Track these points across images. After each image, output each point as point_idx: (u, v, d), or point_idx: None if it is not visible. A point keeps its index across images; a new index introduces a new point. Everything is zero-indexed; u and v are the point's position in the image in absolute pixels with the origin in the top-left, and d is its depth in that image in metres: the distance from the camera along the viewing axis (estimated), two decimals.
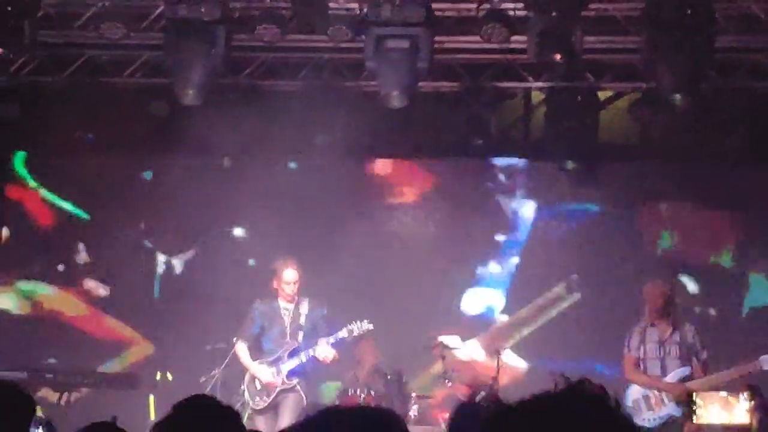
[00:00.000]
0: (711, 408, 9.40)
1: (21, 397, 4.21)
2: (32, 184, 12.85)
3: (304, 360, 10.19)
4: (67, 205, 12.78)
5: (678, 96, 10.42)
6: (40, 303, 12.80)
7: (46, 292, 12.84)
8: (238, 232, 12.86)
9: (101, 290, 12.78)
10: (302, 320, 10.33)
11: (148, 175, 12.97)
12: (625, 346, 9.89)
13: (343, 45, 11.08)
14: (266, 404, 10.14)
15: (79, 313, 12.73)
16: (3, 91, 11.49)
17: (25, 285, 12.78)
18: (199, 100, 10.75)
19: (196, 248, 12.83)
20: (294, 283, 10.27)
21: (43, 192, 12.87)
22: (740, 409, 9.20)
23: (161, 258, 12.93)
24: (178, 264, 12.92)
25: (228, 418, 3.46)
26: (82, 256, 12.89)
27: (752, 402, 9.08)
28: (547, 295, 12.42)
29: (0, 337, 12.31)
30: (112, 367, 12.23)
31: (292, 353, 10.26)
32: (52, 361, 12.13)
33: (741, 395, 9.26)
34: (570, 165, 11.92)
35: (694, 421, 9.38)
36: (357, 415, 2.21)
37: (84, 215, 12.78)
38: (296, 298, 10.32)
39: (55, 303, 12.80)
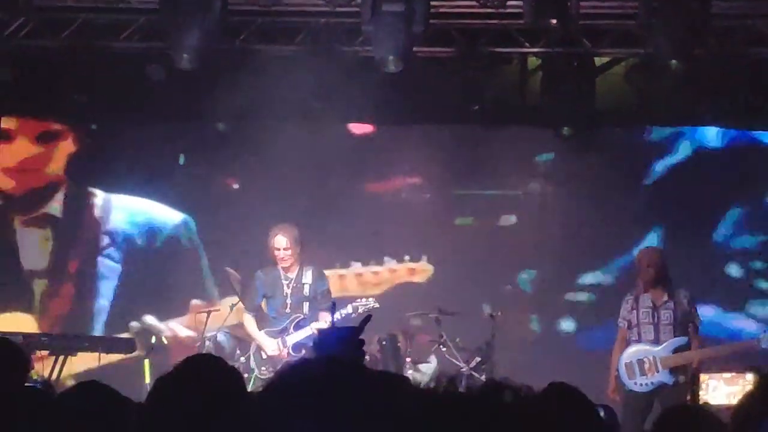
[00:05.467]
0: (715, 388, 9.45)
1: (15, 351, 4.24)
2: None
3: (309, 333, 10.24)
4: None
5: (674, 62, 10.41)
6: None
7: None
8: (230, 197, 12.83)
9: None
10: (306, 291, 10.36)
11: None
12: (619, 317, 9.92)
13: (340, 9, 11.05)
14: (271, 374, 10.18)
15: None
16: None
17: None
18: (194, 64, 10.72)
19: (189, 213, 12.81)
20: (284, 250, 10.26)
21: None
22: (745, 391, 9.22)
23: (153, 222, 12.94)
24: (169, 229, 12.90)
25: (233, 377, 3.45)
26: None
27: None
28: None
29: None
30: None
31: (298, 325, 10.31)
32: None
33: (745, 376, 9.27)
34: (566, 131, 11.91)
35: (699, 401, 9.40)
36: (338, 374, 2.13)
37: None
38: (295, 266, 10.34)
39: None
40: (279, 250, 10.27)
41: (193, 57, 10.62)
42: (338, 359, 2.09)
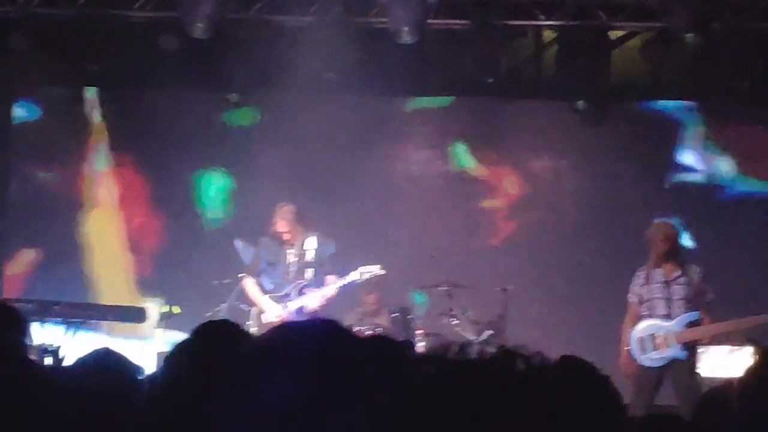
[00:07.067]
0: (713, 361, 9.42)
1: (9, 312, 4.24)
2: None
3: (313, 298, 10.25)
4: None
5: (690, 36, 10.35)
6: None
7: None
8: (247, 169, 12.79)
9: None
10: (310, 256, 10.37)
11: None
12: (630, 292, 9.86)
13: None
14: None
15: None
16: (12, 22, 11.41)
17: None
18: (208, 34, 10.70)
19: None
20: (286, 233, 10.32)
21: None
22: (744, 364, 9.18)
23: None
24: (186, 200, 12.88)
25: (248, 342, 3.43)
26: None
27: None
28: None
29: None
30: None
31: (302, 291, 10.31)
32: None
33: (744, 349, 9.23)
34: (581, 105, 11.86)
35: (696, 374, 9.38)
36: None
37: None
38: (294, 242, 10.36)
39: None
40: (282, 233, 10.35)
41: (206, 26, 10.60)
42: (336, 323, 2.04)
